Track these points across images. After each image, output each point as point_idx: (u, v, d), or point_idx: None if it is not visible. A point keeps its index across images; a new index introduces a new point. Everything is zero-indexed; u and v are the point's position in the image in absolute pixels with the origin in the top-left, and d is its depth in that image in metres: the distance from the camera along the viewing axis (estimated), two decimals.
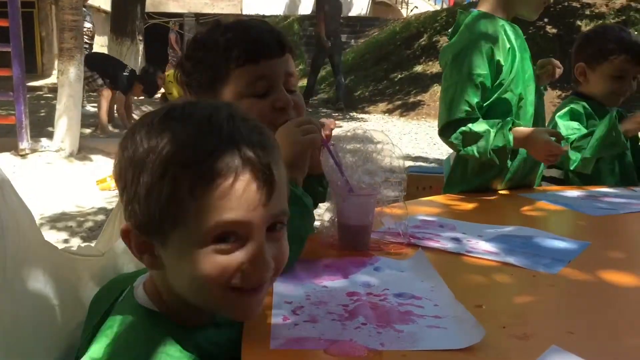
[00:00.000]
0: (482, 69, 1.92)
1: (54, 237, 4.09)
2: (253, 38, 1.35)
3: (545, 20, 11.61)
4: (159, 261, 0.85)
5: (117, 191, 0.87)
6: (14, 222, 0.94)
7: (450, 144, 1.99)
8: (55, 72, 11.71)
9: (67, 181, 5.67)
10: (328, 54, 11.51)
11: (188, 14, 19.30)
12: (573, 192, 2.07)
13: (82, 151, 6.75)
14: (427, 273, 1.19)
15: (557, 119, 2.37)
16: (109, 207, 4.77)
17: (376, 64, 13.94)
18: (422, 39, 13.96)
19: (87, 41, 9.39)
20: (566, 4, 12.40)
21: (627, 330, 1.01)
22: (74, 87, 6.66)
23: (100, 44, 13.45)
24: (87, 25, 9.51)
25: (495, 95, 1.97)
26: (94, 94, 8.91)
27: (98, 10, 16.53)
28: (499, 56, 1.95)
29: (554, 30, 11.63)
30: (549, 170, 2.41)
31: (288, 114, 1.35)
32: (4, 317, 0.91)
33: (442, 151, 7.01)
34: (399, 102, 11.91)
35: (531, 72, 2.07)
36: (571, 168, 2.22)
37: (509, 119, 1.90)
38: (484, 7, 2.06)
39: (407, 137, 8.84)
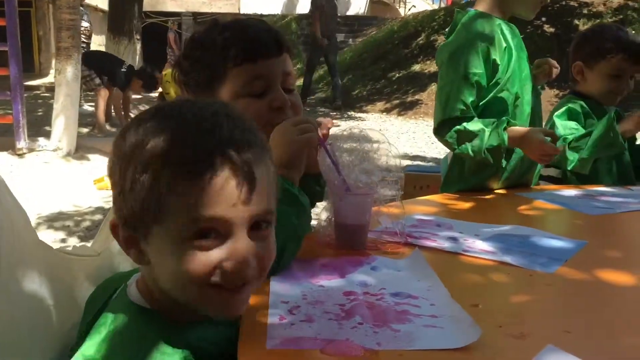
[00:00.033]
0: (477, 68, 1.93)
1: (52, 237, 4.09)
2: (251, 37, 1.35)
3: (543, 19, 11.61)
4: (145, 256, 0.86)
5: None
6: (9, 222, 0.93)
7: (445, 143, 2.00)
8: (52, 71, 11.71)
9: (65, 180, 5.66)
10: (324, 53, 11.53)
11: (186, 13, 19.28)
12: (570, 191, 2.07)
13: (80, 150, 6.75)
14: (424, 272, 1.19)
15: (555, 118, 2.37)
16: (107, 206, 4.77)
17: (374, 63, 13.94)
18: (420, 38, 13.96)
19: (85, 40, 9.40)
20: (564, 3, 12.41)
21: (624, 330, 1.01)
22: (71, 86, 6.65)
23: (98, 43, 13.43)
24: (85, 24, 9.52)
25: (492, 94, 1.97)
26: (92, 93, 8.90)
27: (95, 9, 16.51)
28: (495, 55, 1.95)
29: (552, 29, 11.64)
30: (547, 170, 2.41)
31: (285, 113, 1.35)
32: None
33: (440, 150, 7.02)
34: (397, 101, 11.91)
35: (528, 71, 2.07)
36: (568, 168, 2.22)
37: (504, 118, 1.90)
38: (481, 7, 2.07)
39: (405, 136, 8.84)
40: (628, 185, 2.21)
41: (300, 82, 11.71)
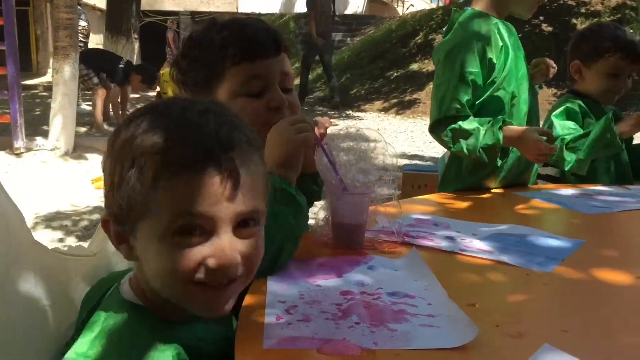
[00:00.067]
0: (473, 67, 1.93)
1: (49, 236, 4.08)
2: (249, 36, 1.35)
3: (541, 18, 11.61)
4: (134, 252, 0.87)
5: None
6: (4, 223, 0.93)
7: (441, 141, 2.01)
8: (50, 70, 11.70)
9: (62, 180, 5.66)
10: (319, 52, 11.56)
11: (184, 12, 19.28)
12: (567, 191, 2.08)
13: (77, 150, 6.74)
14: (421, 272, 1.19)
15: (553, 118, 2.37)
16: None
17: (372, 62, 13.94)
18: (418, 37, 13.96)
19: (82, 39, 9.38)
20: (561, 2, 12.41)
21: (621, 329, 1.01)
22: (69, 85, 6.64)
23: (96, 43, 13.42)
24: (82, 23, 9.50)
25: (488, 93, 1.97)
26: (90, 92, 8.89)
27: (93, 8, 16.50)
28: (491, 54, 1.95)
29: (550, 29, 11.64)
30: (545, 169, 2.42)
31: (283, 113, 1.35)
32: None
33: (438, 149, 7.02)
34: (395, 101, 11.92)
35: (525, 70, 2.08)
36: (566, 169, 2.22)
37: (499, 117, 1.90)
38: (478, 6, 2.07)
39: (403, 136, 8.84)
40: (625, 185, 2.21)
41: (297, 81, 11.73)
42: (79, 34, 8.08)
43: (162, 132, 0.80)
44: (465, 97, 1.93)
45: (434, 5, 20.63)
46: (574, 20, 11.77)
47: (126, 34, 10.41)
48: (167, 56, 14.71)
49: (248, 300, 1.04)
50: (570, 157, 2.19)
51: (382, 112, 11.57)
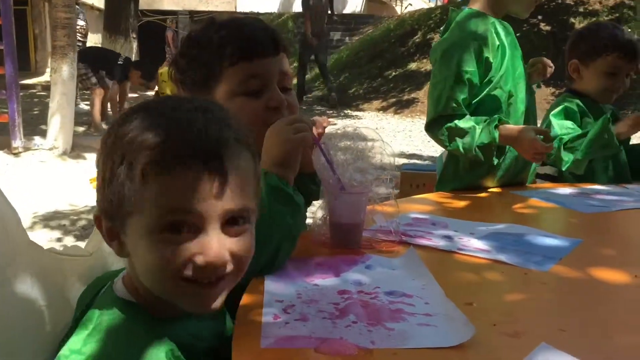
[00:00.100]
0: (470, 65, 1.93)
1: (48, 236, 4.08)
2: (247, 36, 1.35)
3: (539, 17, 11.62)
4: (125, 248, 0.87)
5: None
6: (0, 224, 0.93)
7: (437, 140, 2.01)
8: (48, 70, 11.69)
9: (61, 179, 5.65)
10: (314, 52, 11.59)
11: (182, 12, 19.26)
12: (565, 190, 2.08)
13: (76, 149, 6.74)
14: (419, 271, 1.19)
15: (551, 117, 2.37)
16: None
17: (370, 62, 13.94)
18: (416, 37, 13.96)
19: (81, 39, 9.37)
20: (560, 1, 12.42)
21: (619, 328, 1.01)
22: (67, 85, 6.64)
23: (94, 42, 13.40)
24: (81, 22, 9.48)
25: (485, 92, 1.98)
26: (88, 92, 8.89)
27: (91, 7, 16.48)
28: (488, 53, 1.96)
29: (548, 28, 11.65)
30: (543, 168, 2.42)
31: (282, 113, 1.35)
32: None
33: (436, 149, 7.00)
34: (393, 100, 11.92)
35: (522, 69, 2.08)
36: (563, 169, 2.22)
37: (495, 116, 1.91)
38: (475, 5, 2.07)
39: (401, 135, 8.84)
40: (623, 184, 2.21)
41: (294, 81, 11.73)
42: (77, 34, 8.07)
43: (152, 129, 0.80)
44: (461, 96, 1.94)
45: (432, 5, 20.63)
46: (572, 20, 11.78)
47: (124, 33, 10.41)
48: (167, 56, 14.70)
49: (245, 299, 1.04)
50: (567, 157, 2.19)
51: (381, 112, 11.57)
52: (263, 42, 1.35)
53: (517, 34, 2.11)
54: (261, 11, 18.15)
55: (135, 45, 10.89)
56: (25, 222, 4.28)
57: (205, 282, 0.84)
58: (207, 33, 1.37)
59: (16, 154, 6.45)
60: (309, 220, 1.39)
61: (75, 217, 4.51)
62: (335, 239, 1.35)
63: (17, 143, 6.49)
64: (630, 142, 2.45)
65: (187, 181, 0.79)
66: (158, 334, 0.86)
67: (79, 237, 4.08)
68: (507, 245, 1.39)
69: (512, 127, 1.91)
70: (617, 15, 11.46)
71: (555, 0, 12.40)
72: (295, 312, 1.00)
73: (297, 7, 18.68)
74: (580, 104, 2.36)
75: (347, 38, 16.62)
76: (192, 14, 19.05)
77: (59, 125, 6.57)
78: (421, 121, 10.16)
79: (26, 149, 6.56)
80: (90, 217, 4.48)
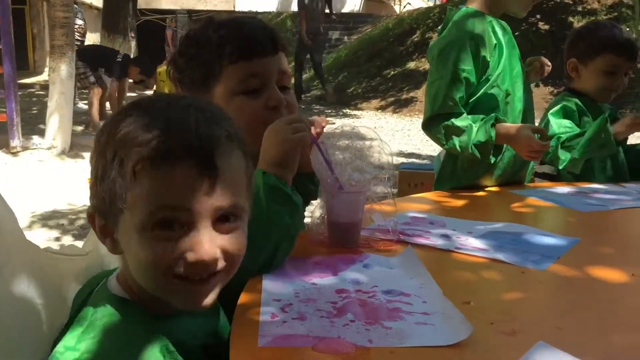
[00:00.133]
0: (467, 64, 1.94)
1: (46, 235, 4.08)
2: (246, 35, 1.35)
3: (538, 16, 11.62)
4: (118, 246, 0.88)
5: None
6: None
7: (434, 138, 2.02)
8: (47, 69, 11.69)
9: (59, 179, 5.65)
10: (309, 52, 11.62)
11: (181, 11, 19.23)
12: (563, 189, 2.08)
13: (74, 148, 6.74)
14: (416, 270, 1.20)
15: (549, 116, 2.37)
16: None
17: (369, 61, 13.93)
18: (415, 36, 13.95)
19: (79, 38, 9.36)
20: (558, 0, 12.42)
21: (616, 326, 1.01)
22: (65, 84, 6.64)
23: (92, 41, 13.34)
24: (79, 22, 9.47)
25: (482, 90, 1.98)
26: (86, 91, 8.88)
27: (90, 7, 16.45)
28: (485, 52, 1.96)
29: (546, 27, 11.65)
30: (542, 167, 2.42)
31: (281, 112, 1.35)
32: None
33: (434, 148, 7.00)
34: (392, 99, 11.91)
35: (519, 68, 2.08)
36: (560, 167, 2.23)
37: (492, 114, 1.91)
38: (473, 4, 2.08)
39: (399, 134, 8.84)
40: (621, 183, 2.21)
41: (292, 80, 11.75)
42: (76, 33, 8.07)
43: (143, 127, 0.81)
44: (458, 95, 1.94)
45: (430, 4, 20.60)
46: (570, 19, 11.78)
47: (123, 32, 10.40)
48: (167, 55, 14.67)
49: (243, 298, 1.05)
50: (564, 156, 2.19)
51: (379, 111, 11.57)
52: (262, 41, 1.35)
53: (516, 33, 2.12)
54: (260, 10, 18.13)
55: (133, 44, 10.88)
56: (24, 222, 4.28)
57: (196, 279, 0.84)
58: (206, 32, 1.37)
59: (14, 154, 6.44)
60: (307, 220, 1.40)
61: (73, 217, 4.51)
62: (333, 238, 1.35)
63: (16, 142, 6.49)
64: (628, 142, 2.45)
65: (178, 178, 0.80)
66: (152, 331, 0.86)
67: (77, 237, 4.08)
68: (505, 244, 1.39)
69: (509, 125, 1.91)
70: (616, 14, 11.46)
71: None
72: (293, 311, 1.00)
73: (296, 6, 18.72)
74: (579, 103, 2.36)
75: (345, 37, 16.61)
76: (190, 13, 19.03)
77: (57, 124, 6.57)
78: (420, 120, 10.07)
79: (24, 148, 6.55)
80: None
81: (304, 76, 12.96)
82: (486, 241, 1.41)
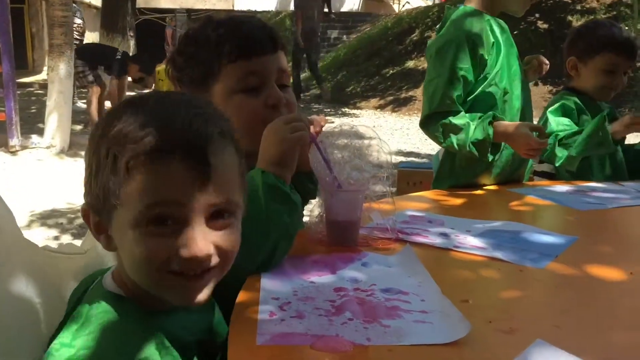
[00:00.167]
0: (464, 62, 1.94)
1: (45, 234, 4.08)
2: (245, 34, 1.35)
3: (537, 15, 11.62)
4: (113, 242, 0.88)
5: None
6: None
7: (432, 136, 2.02)
8: (46, 68, 11.68)
9: (58, 178, 5.65)
10: (305, 52, 11.64)
11: (180, 10, 19.21)
12: (561, 187, 2.08)
13: (73, 148, 6.73)
14: (415, 268, 1.20)
15: (548, 114, 2.37)
16: None
17: (368, 60, 13.93)
18: (413, 35, 13.95)
19: (78, 37, 9.35)
20: None
21: (614, 324, 1.01)
22: (64, 83, 6.63)
23: (91, 40, 13.37)
24: (78, 21, 9.47)
25: (480, 89, 1.98)
26: (85, 90, 8.86)
27: (89, 6, 16.44)
28: (483, 51, 1.96)
29: (545, 26, 11.65)
30: (540, 165, 2.43)
31: (280, 111, 1.35)
32: None
33: (433, 146, 6.98)
34: (391, 98, 11.91)
35: (517, 67, 2.08)
36: (557, 164, 2.23)
37: (490, 112, 1.91)
38: (471, 3, 2.08)
39: (398, 133, 8.84)
40: (619, 181, 2.22)
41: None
42: (74, 32, 8.06)
43: (136, 123, 0.81)
44: (455, 93, 1.94)
45: (429, 3, 20.58)
46: (569, 18, 11.78)
47: (122, 31, 10.38)
48: (167, 54, 14.64)
49: (242, 296, 1.05)
50: (561, 153, 2.20)
51: (378, 110, 11.57)
52: (261, 40, 1.35)
53: (515, 32, 2.12)
54: (258, 9, 18.13)
55: (132, 43, 10.86)
56: (23, 221, 4.28)
57: (190, 275, 0.84)
58: (205, 31, 1.37)
59: (13, 153, 6.44)
60: (305, 218, 1.40)
61: (72, 216, 4.51)
62: (332, 237, 1.35)
63: (15, 141, 6.48)
64: (627, 142, 2.45)
65: (171, 175, 0.80)
66: (147, 327, 0.87)
67: (76, 236, 4.08)
68: (503, 243, 1.39)
69: (507, 123, 1.92)
70: (615, 13, 11.46)
71: None
72: (292, 309, 1.00)
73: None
74: (578, 101, 2.37)
75: (344, 36, 16.61)
76: (189, 12, 19.02)
77: (56, 123, 6.56)
78: (418, 119, 10.15)
79: (23, 147, 6.55)
80: None
81: (303, 75, 12.97)
82: (484, 239, 1.41)
